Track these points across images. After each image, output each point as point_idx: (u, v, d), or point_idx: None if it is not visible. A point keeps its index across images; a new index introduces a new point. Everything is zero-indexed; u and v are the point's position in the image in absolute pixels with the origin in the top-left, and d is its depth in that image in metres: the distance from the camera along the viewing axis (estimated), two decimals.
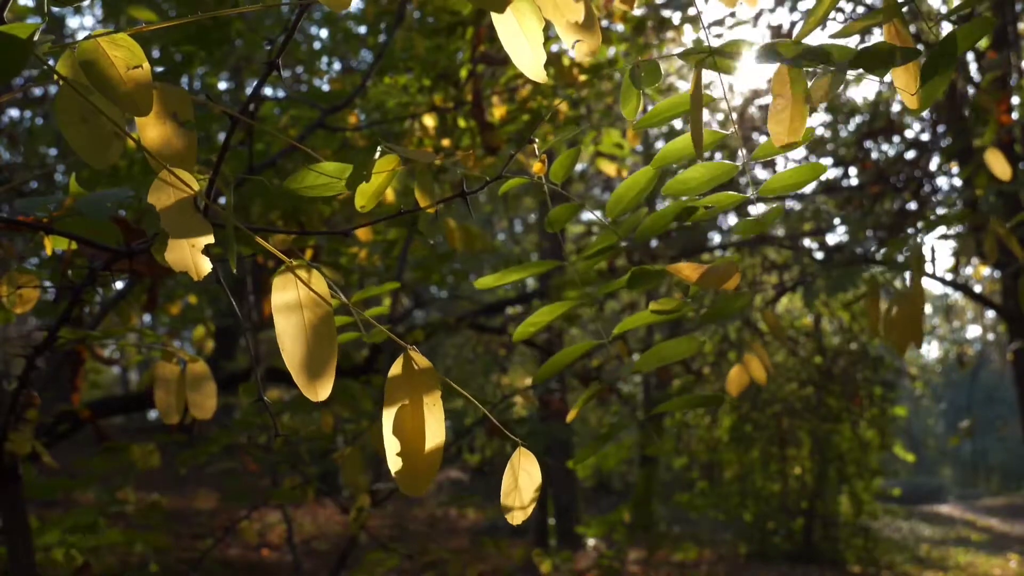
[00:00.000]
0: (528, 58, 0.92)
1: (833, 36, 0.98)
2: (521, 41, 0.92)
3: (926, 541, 13.24)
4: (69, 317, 1.40)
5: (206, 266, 0.84)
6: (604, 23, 4.03)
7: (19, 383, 1.60)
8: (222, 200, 1.07)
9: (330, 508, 10.59)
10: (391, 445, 0.89)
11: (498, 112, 3.97)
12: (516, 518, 0.96)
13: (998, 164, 2.56)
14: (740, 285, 1.18)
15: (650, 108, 1.14)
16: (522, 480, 0.97)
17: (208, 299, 5.50)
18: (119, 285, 2.93)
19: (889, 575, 9.87)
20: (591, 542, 9.45)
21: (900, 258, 2.23)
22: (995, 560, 11.32)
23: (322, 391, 0.88)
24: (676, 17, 3.87)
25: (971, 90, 6.00)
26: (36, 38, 0.80)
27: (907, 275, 2.17)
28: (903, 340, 2.05)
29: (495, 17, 0.92)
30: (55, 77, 0.87)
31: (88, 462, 3.03)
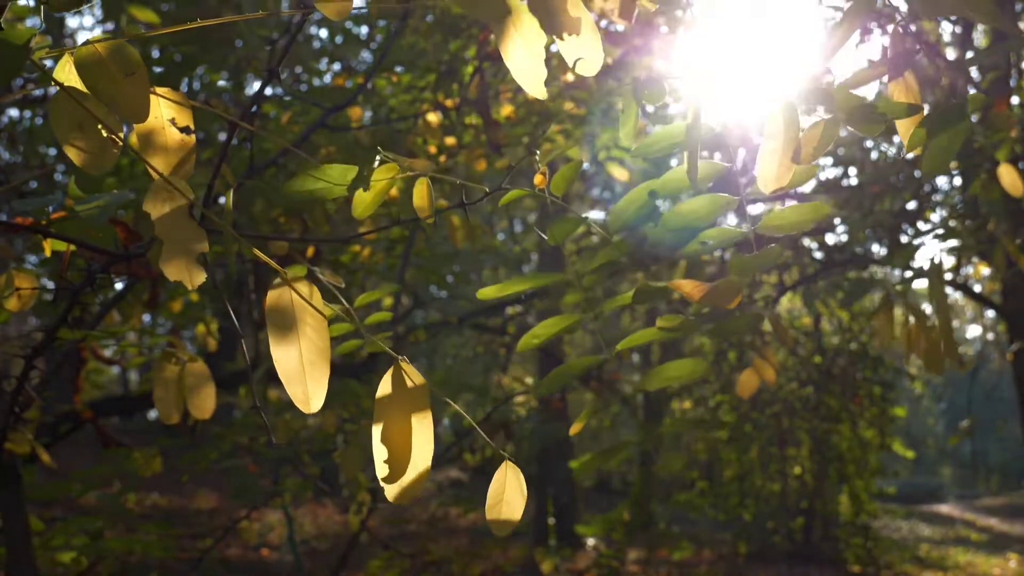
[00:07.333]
0: (529, 74, 0.91)
1: (840, 86, 0.95)
2: (522, 56, 0.90)
3: (926, 541, 13.24)
4: (67, 318, 1.40)
5: (200, 276, 0.84)
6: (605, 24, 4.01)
7: (18, 383, 1.60)
8: (222, 201, 1.07)
9: (330, 508, 10.59)
10: (379, 452, 0.89)
11: (505, 111, 3.94)
12: (501, 530, 0.96)
13: (1011, 180, 2.55)
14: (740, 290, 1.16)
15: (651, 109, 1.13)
16: (508, 493, 0.97)
17: (210, 297, 5.49)
18: (119, 285, 2.92)
19: (889, 575, 9.87)
20: (591, 542, 9.44)
21: (909, 269, 2.21)
22: (995, 560, 11.32)
23: (315, 403, 0.88)
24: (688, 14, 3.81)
25: (971, 90, 5.98)
26: (33, 44, 0.80)
27: (932, 300, 2.18)
28: (937, 360, 2.07)
29: (496, 33, 0.90)
30: (52, 83, 0.87)
31: (89, 472, 3.01)
